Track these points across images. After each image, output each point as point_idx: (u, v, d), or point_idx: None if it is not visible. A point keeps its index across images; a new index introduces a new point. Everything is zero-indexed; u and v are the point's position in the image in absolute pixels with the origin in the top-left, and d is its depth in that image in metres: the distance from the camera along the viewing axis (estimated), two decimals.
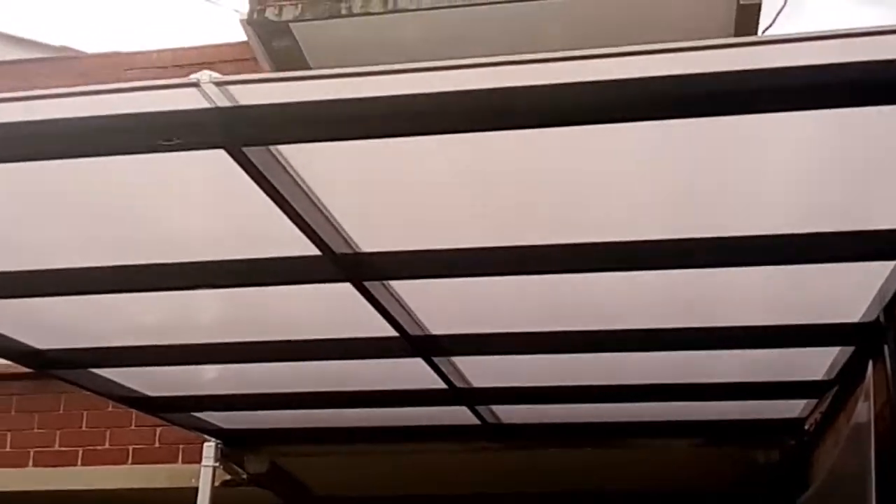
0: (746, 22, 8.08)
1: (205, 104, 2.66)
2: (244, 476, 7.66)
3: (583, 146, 2.89)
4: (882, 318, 4.27)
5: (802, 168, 3.07)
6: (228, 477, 7.96)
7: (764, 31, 8.55)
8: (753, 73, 2.43)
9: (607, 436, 6.85)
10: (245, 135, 2.72)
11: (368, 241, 3.69)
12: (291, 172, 3.04)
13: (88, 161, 2.86)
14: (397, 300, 4.32)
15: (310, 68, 8.94)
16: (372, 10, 8.33)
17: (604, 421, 6.61)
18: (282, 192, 3.02)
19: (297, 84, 2.64)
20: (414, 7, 8.26)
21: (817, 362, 5.09)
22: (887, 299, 4.05)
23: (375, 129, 2.67)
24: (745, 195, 3.29)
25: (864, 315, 4.26)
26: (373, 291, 4.00)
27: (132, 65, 10.09)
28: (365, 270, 3.82)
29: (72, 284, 3.98)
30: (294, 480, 8.12)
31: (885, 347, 4.27)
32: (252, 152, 2.79)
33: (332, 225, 3.47)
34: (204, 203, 3.37)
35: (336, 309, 4.38)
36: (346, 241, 3.64)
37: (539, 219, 3.51)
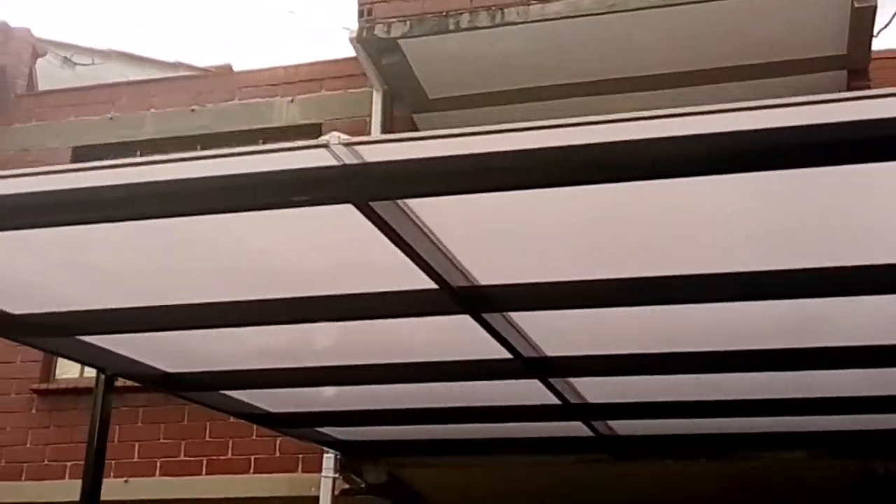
0: (861, 25, 7.98)
1: (333, 162, 2.79)
2: (363, 486, 7.85)
3: (697, 189, 2.95)
4: None
5: None
6: (347, 486, 8.17)
7: (878, 33, 8.43)
8: (863, 125, 2.48)
9: (722, 448, 6.86)
10: (372, 191, 2.85)
11: (487, 274, 3.80)
12: (414, 219, 3.17)
13: (225, 216, 3.03)
14: (514, 327, 4.42)
15: (419, 83, 9.12)
16: (479, 25, 8.45)
17: (719, 433, 6.62)
18: (405, 238, 3.15)
19: (419, 143, 2.75)
20: (521, 20, 8.35)
21: None
22: None
23: (492, 183, 2.78)
24: (855, 230, 3.32)
25: None
26: (490, 321, 4.11)
27: (245, 83, 10.37)
28: (483, 302, 3.93)
29: (207, 318, 4.19)
30: (412, 490, 8.28)
31: None
32: (378, 205, 2.92)
33: (452, 263, 3.59)
34: (331, 247, 3.51)
35: (454, 336, 4.50)
36: (465, 275, 3.76)
37: (653, 254, 3.58)
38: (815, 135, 2.50)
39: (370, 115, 9.55)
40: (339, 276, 3.84)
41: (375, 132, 9.41)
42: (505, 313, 4.20)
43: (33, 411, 10.02)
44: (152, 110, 10.51)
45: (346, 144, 2.71)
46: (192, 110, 10.35)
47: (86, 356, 4.95)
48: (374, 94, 9.51)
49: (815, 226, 3.33)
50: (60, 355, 5.27)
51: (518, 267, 3.71)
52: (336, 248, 3.56)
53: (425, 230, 3.27)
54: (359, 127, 9.63)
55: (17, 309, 4.35)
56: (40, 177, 2.98)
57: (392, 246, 3.26)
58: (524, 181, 2.77)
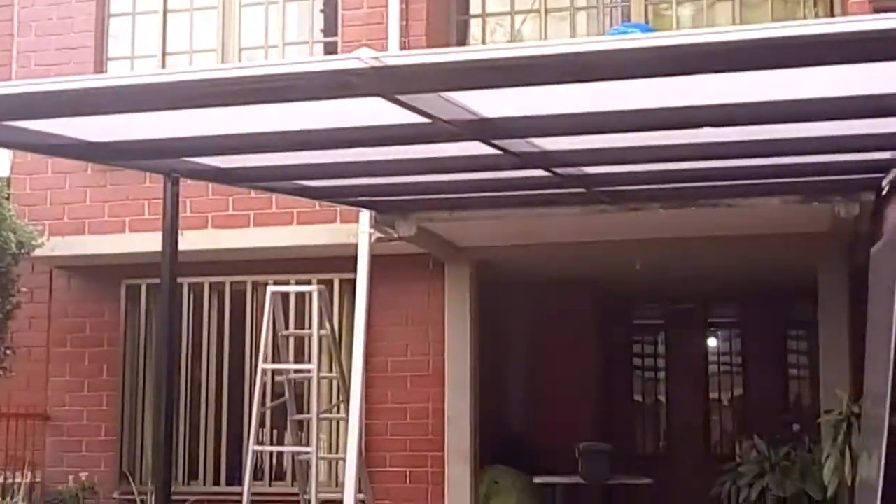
0: None
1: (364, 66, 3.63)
2: (395, 236, 8.82)
3: None
4: None
5: None
6: (381, 235, 9.17)
7: None
8: None
9: (711, 196, 7.72)
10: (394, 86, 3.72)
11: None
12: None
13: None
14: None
15: None
16: None
17: (707, 185, 7.45)
18: (421, 107, 4.03)
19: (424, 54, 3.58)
20: None
21: None
22: None
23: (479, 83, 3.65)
24: None
25: None
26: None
27: None
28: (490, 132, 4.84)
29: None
30: (440, 238, 9.36)
31: None
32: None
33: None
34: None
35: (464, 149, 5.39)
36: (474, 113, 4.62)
37: None
38: None
39: None
40: None
41: None
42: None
43: (88, 171, 10.94)
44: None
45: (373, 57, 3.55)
46: None
47: (156, 168, 5.96)
48: None
49: None
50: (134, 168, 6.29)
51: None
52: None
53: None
54: None
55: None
56: None
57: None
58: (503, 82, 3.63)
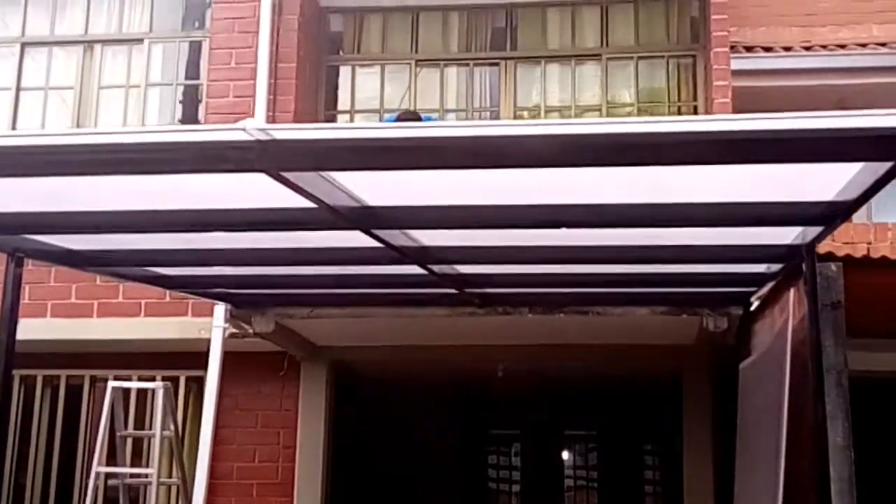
0: None
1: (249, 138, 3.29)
2: (251, 332, 8.36)
3: None
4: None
5: None
6: (236, 331, 8.70)
7: None
8: None
9: (581, 303, 7.57)
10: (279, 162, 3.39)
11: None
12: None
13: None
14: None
15: None
16: None
17: (577, 291, 7.30)
18: (306, 188, 3.69)
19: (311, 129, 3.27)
20: None
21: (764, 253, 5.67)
22: None
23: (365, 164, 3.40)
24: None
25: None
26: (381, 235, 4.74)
27: None
28: (371, 221, 4.53)
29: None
30: (298, 336, 8.91)
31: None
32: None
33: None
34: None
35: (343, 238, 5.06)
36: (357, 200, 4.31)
37: None
38: None
39: None
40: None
41: None
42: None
43: None
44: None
45: (259, 129, 3.21)
46: None
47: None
48: None
49: None
50: None
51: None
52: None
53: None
54: None
55: None
56: None
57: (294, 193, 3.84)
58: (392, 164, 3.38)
